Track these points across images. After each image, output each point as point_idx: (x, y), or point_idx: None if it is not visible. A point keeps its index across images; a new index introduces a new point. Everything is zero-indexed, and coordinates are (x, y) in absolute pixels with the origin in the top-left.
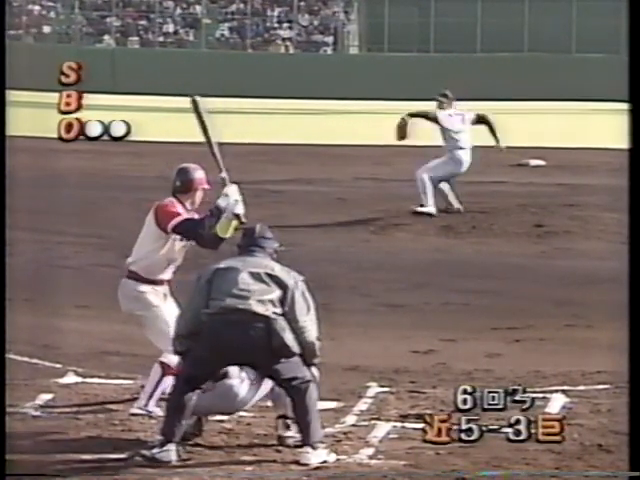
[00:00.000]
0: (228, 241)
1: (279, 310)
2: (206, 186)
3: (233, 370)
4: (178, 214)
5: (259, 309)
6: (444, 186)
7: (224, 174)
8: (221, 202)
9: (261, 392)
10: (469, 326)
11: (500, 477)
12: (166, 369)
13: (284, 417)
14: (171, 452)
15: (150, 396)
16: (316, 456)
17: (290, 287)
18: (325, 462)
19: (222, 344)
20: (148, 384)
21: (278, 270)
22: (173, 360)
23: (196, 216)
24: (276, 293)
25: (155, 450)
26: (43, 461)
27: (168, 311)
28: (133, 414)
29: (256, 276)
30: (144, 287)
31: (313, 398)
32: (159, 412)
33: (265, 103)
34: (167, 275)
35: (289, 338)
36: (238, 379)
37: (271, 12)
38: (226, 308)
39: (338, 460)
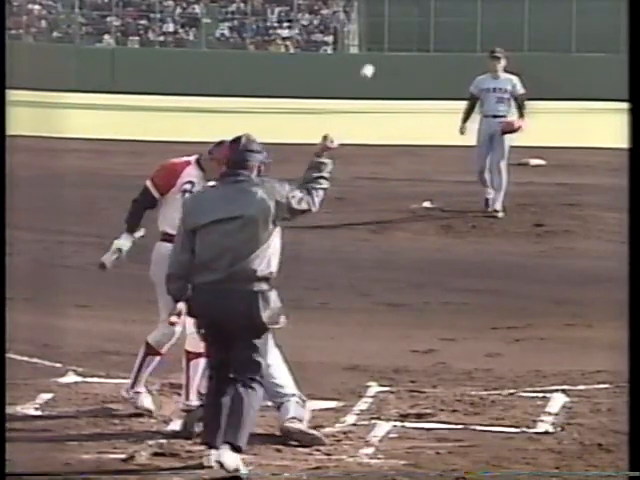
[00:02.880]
0: None
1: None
2: None
3: None
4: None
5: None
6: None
7: None
8: None
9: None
10: (469, 325)
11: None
12: (148, 349)
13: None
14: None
15: (135, 378)
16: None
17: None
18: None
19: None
20: (134, 366)
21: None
22: (157, 340)
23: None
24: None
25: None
26: (43, 461)
27: None
28: (123, 398)
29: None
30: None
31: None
32: (145, 400)
33: (265, 103)
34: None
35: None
36: None
37: (271, 11)
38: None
39: (338, 459)
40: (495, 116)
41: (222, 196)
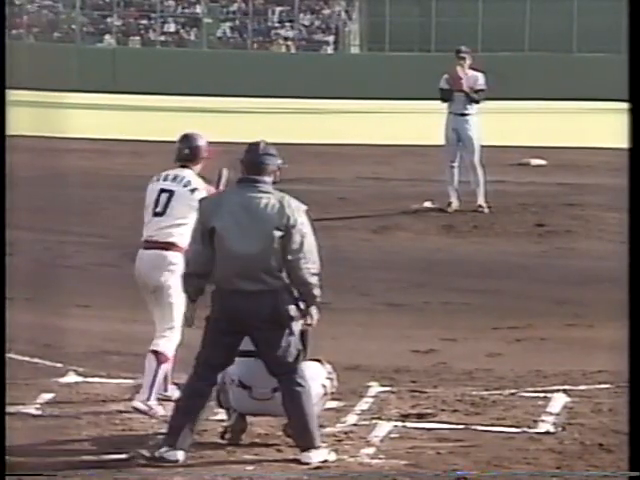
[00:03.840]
0: None
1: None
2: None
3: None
4: None
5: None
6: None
7: None
8: None
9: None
10: (470, 325)
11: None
12: (160, 358)
13: None
14: (178, 452)
15: (150, 390)
16: (317, 455)
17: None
18: (326, 461)
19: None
20: (146, 377)
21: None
22: (166, 348)
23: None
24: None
25: (163, 449)
26: (43, 461)
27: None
28: (135, 408)
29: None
30: (179, 257)
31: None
32: (161, 410)
33: (266, 102)
34: (184, 241)
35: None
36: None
37: (272, 11)
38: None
39: (339, 459)
40: (462, 114)
41: (238, 200)
